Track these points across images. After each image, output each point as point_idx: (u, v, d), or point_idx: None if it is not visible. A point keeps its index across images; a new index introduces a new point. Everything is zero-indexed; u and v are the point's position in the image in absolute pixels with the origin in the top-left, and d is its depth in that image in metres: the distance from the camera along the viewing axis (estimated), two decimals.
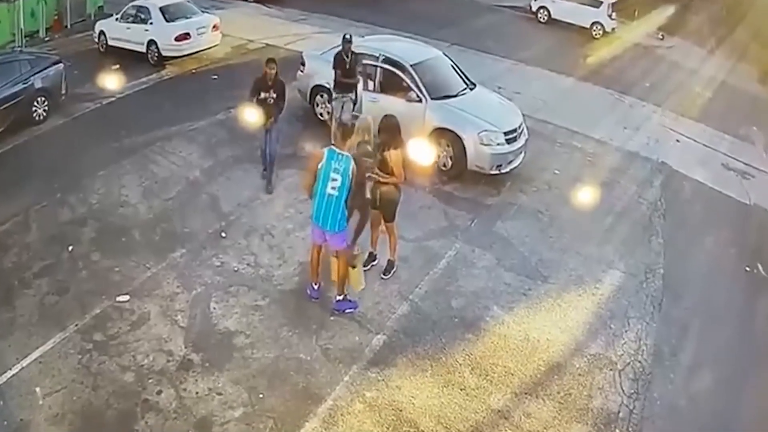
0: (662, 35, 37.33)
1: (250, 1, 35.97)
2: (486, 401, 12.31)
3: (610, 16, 37.36)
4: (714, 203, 20.36)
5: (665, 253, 17.10)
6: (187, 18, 27.46)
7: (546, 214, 17.99)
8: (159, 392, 12.02)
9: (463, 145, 18.50)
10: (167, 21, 26.93)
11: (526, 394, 12.56)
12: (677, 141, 24.04)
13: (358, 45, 20.38)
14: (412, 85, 19.28)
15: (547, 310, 14.63)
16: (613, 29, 37.23)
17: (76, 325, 13.38)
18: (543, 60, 29.08)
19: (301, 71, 21.94)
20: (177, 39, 26.58)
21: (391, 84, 19.72)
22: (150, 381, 12.24)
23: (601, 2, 37.50)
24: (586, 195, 18.49)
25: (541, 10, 39.12)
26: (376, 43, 21.43)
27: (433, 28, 32.40)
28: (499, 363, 13.14)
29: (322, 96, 21.43)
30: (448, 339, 13.57)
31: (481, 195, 18.59)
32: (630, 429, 12.15)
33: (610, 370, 13.24)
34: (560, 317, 14.46)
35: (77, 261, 15.35)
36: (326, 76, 20.53)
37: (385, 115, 14.51)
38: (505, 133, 18.72)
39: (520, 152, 19.26)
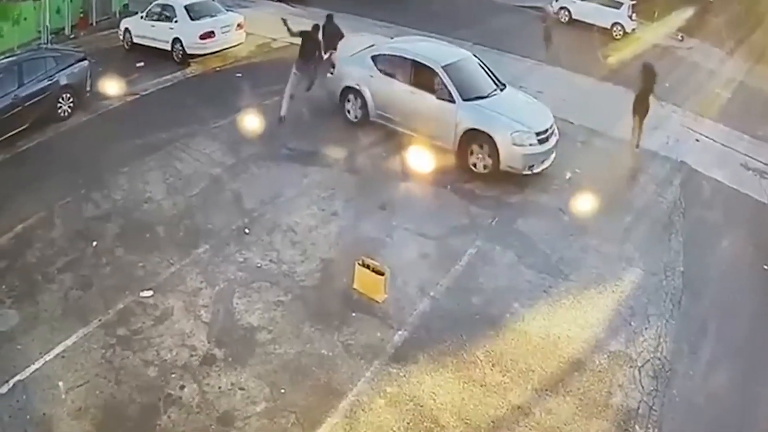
0: (682, 36, 37.18)
1: (275, 0, 36.03)
2: (506, 397, 12.39)
3: (630, 17, 37.26)
4: (733, 202, 20.26)
5: (685, 252, 17.08)
6: (211, 16, 27.50)
7: (567, 212, 17.99)
8: (182, 387, 12.17)
9: (496, 146, 18.53)
10: (192, 19, 26.99)
11: (546, 390, 12.63)
12: (696, 141, 23.93)
13: (389, 46, 20.80)
14: (444, 86, 19.30)
15: (567, 308, 14.68)
16: (633, 30, 37.11)
17: (100, 320, 13.54)
18: (564, 60, 29.01)
19: (331, 73, 21.93)
20: (202, 37, 26.65)
21: (423, 84, 19.67)
22: (173, 376, 12.39)
23: (622, 3, 37.42)
24: (606, 193, 18.47)
25: (562, 11, 39.09)
26: (405, 45, 21.65)
27: (454, 28, 32.33)
28: (519, 360, 13.21)
29: (350, 99, 21.37)
30: (468, 335, 13.65)
31: (502, 193, 18.61)
32: (649, 425, 12.19)
33: (630, 367, 13.28)
34: (580, 314, 14.50)
35: (101, 256, 15.49)
36: (356, 78, 21.01)
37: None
38: (537, 134, 18.72)
39: (551, 152, 19.29)
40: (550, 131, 19.20)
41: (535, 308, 14.59)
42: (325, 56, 23.02)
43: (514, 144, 18.44)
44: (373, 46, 21.78)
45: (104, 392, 12.01)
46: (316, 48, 22.38)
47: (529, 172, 18.79)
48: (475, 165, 19.05)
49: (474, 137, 18.82)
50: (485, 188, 18.75)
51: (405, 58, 20.30)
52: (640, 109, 21.43)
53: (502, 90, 20.20)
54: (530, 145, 18.60)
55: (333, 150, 20.01)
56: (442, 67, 19.58)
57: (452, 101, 19.09)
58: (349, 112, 21.30)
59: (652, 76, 21.43)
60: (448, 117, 19.03)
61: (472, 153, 18.96)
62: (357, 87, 20.64)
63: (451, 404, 12.16)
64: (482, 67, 20.86)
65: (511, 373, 12.89)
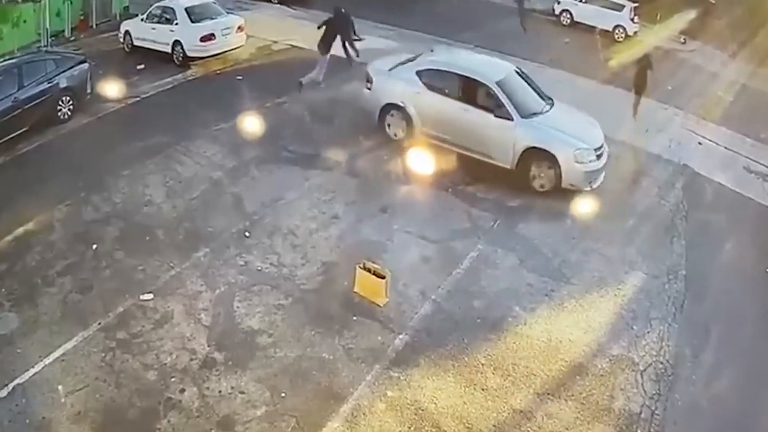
0: (684, 39, 37.21)
1: (275, 3, 36.05)
2: (508, 401, 12.37)
3: (632, 19, 37.30)
4: (735, 205, 20.28)
5: (687, 255, 17.09)
6: (212, 19, 27.47)
7: (569, 216, 17.98)
8: (182, 391, 12.14)
9: (558, 164, 18.24)
10: (192, 22, 26.95)
11: (548, 394, 12.62)
12: (699, 144, 23.94)
13: (432, 60, 20.16)
14: (501, 104, 18.70)
15: (569, 311, 14.66)
16: (635, 33, 37.14)
17: (100, 323, 13.50)
18: (566, 63, 29.00)
19: (368, 88, 20.78)
20: (202, 40, 26.60)
21: (477, 100, 19.10)
22: (173, 379, 12.37)
23: (624, 6, 37.49)
24: (608, 196, 18.45)
25: (564, 13, 39.12)
26: (451, 58, 20.83)
27: (455, 30, 32.35)
28: (521, 363, 13.19)
29: (393, 116, 20.28)
30: (470, 339, 13.63)
31: (503, 196, 18.58)
32: (652, 430, 12.19)
33: (632, 371, 13.27)
34: (583, 318, 14.49)
35: (101, 259, 15.45)
36: (399, 94, 19.93)
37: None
38: (595, 150, 18.59)
39: (604, 168, 18.97)
40: (603, 146, 18.96)
41: (536, 312, 14.57)
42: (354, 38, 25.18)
43: (577, 162, 18.22)
44: (413, 59, 20.76)
45: (104, 396, 11.97)
46: (335, 33, 24.43)
47: (589, 189, 18.58)
48: (534, 183, 18.71)
49: (534, 155, 18.43)
50: (487, 191, 18.72)
51: (455, 74, 19.49)
52: (640, 84, 24.53)
53: (552, 105, 19.74)
54: (590, 161, 18.40)
55: (334, 153, 19.96)
56: (497, 83, 19.00)
57: (510, 119, 18.55)
58: (389, 127, 20.30)
59: (648, 59, 24.48)
60: (506, 135, 18.57)
61: (531, 171, 18.60)
62: (401, 104, 19.71)
63: (452, 408, 12.13)
64: (526, 80, 20.31)
65: (513, 377, 12.87)
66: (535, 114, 18.94)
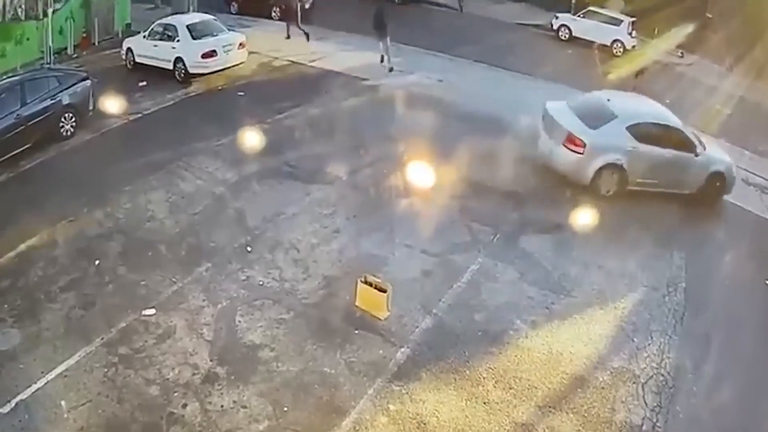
0: (682, 53, 37.24)
1: (276, 20, 36.18)
2: (510, 415, 12.40)
3: (630, 33, 37.33)
4: (734, 218, 20.36)
5: (687, 267, 17.15)
6: (213, 36, 27.63)
7: (568, 229, 18.02)
8: (184, 405, 12.18)
9: (726, 180, 20.38)
10: (194, 39, 27.09)
11: (549, 407, 12.64)
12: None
13: (639, 116, 20.15)
14: (693, 144, 20.14)
15: (570, 324, 14.71)
16: (633, 47, 37.18)
17: (102, 338, 13.55)
18: (565, 77, 29.04)
19: (578, 153, 19.39)
20: (203, 56, 26.73)
21: (676, 144, 19.90)
22: (175, 394, 12.41)
23: (622, 21, 37.51)
24: (608, 209, 18.49)
25: (563, 28, 39.21)
26: (646, 109, 20.95)
27: (455, 45, 32.55)
28: (522, 376, 13.22)
29: (607, 173, 19.58)
30: (471, 352, 13.67)
31: (503, 210, 18.69)
32: None
33: (633, 383, 13.30)
34: (583, 331, 14.53)
35: (103, 275, 15.52)
36: (615, 153, 19.44)
37: None
38: None
39: None
40: None
41: (537, 325, 14.61)
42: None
43: (733, 175, 20.62)
44: (614, 118, 19.88)
45: (106, 411, 12.00)
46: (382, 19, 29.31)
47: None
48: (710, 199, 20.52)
49: (714, 178, 20.22)
50: (487, 205, 18.81)
51: (660, 124, 20.08)
52: None
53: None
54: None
55: (335, 167, 20.06)
56: (684, 128, 20.35)
57: (698, 155, 20.04)
58: (600, 185, 19.53)
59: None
60: (699, 169, 20.09)
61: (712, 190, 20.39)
62: (618, 162, 19.41)
63: (454, 422, 12.15)
64: None
65: (514, 390, 12.90)
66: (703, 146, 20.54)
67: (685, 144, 19.89)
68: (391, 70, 29.03)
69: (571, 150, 19.30)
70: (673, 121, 20.29)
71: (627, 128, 19.53)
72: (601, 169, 19.27)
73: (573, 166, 19.43)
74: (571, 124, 19.72)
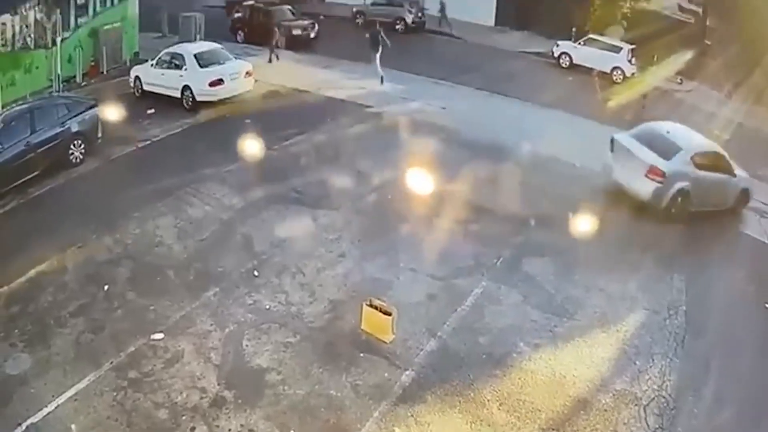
0: (681, 79, 37.38)
1: (282, 48, 36.50)
2: None
3: (630, 61, 37.48)
4: (733, 241, 20.59)
5: (687, 290, 17.27)
6: (220, 64, 27.99)
7: (571, 252, 18.18)
8: (192, 429, 12.32)
9: (749, 195, 22.51)
10: (201, 67, 27.43)
11: (553, 429, 12.76)
12: None
13: (700, 146, 21.91)
14: (731, 166, 21.96)
15: (573, 347, 14.83)
16: (633, 74, 37.35)
17: (111, 362, 13.69)
18: (565, 104, 29.25)
19: (659, 182, 20.79)
20: (211, 84, 27.06)
21: (722, 168, 21.72)
22: (183, 418, 12.53)
23: (621, 48, 37.66)
24: (609, 234, 18.65)
25: (563, 56, 39.43)
26: (683, 136, 22.23)
27: (457, 73, 32.84)
28: (526, 399, 13.33)
29: (676, 198, 21.12)
30: (476, 375, 13.80)
31: (506, 233, 18.85)
32: None
33: (635, 405, 13.40)
34: (586, 354, 14.65)
35: (112, 300, 15.69)
36: (683, 181, 20.99)
37: None
38: None
39: None
40: None
41: (540, 348, 14.73)
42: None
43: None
44: (680, 150, 21.53)
45: None
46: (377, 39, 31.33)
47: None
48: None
49: (743, 193, 22.33)
50: (490, 228, 19.01)
51: (713, 152, 21.89)
52: None
53: None
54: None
55: (340, 192, 20.30)
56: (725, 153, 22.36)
57: (735, 175, 22.05)
58: (672, 211, 21.04)
59: None
60: (735, 186, 22.14)
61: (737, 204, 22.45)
62: (686, 188, 20.93)
63: None
64: None
65: (519, 413, 13.01)
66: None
67: (727, 168, 21.82)
68: (382, 80, 31.01)
69: (653, 180, 20.82)
70: (719, 149, 22.19)
71: (691, 158, 21.29)
72: (674, 194, 20.84)
73: (654, 193, 20.81)
74: (649, 156, 21.23)
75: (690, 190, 20.86)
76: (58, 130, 21.80)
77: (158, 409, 12.69)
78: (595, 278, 17.26)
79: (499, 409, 13.08)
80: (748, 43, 35.28)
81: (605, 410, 13.25)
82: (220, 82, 27.17)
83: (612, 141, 22.34)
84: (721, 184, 21.72)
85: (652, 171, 20.77)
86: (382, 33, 32.09)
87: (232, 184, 20.84)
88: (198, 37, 34.79)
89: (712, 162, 21.46)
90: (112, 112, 24.34)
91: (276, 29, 34.76)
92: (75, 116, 22.48)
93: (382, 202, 20.15)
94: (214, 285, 16.16)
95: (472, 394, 13.36)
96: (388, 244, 18.04)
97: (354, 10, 43.90)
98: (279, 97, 29.12)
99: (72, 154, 22.10)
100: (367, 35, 32.59)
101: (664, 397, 13.64)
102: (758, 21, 34.38)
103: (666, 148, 21.21)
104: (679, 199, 20.89)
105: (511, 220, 19.32)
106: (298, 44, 36.30)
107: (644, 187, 20.88)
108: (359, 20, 43.27)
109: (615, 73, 37.13)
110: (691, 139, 22.24)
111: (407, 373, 13.76)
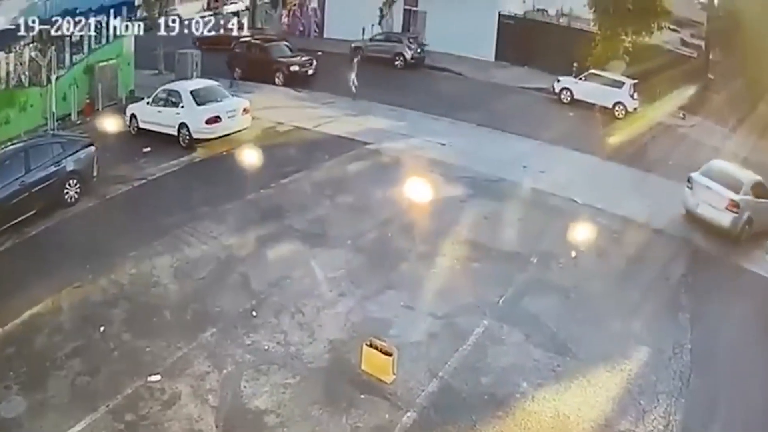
0: (684, 114, 37.41)
1: (279, 85, 36.57)
2: None
3: (632, 96, 37.49)
4: (738, 278, 20.42)
5: (692, 328, 17.12)
6: (217, 101, 27.90)
7: (573, 290, 18.05)
8: None
9: None
10: (198, 104, 27.34)
11: None
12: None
13: (753, 175, 24.42)
14: None
15: (576, 387, 14.63)
16: (635, 109, 37.35)
17: (108, 405, 13.48)
18: (567, 140, 29.28)
19: (735, 212, 23.22)
20: (208, 122, 26.94)
21: (762, 194, 23.82)
22: None
23: (623, 83, 37.68)
24: (612, 271, 18.58)
25: (564, 91, 39.46)
26: (741, 172, 24.83)
27: (458, 109, 32.89)
28: None
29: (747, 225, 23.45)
30: (478, 416, 13.59)
31: (508, 271, 18.71)
32: None
33: None
34: (590, 393, 14.47)
35: (109, 341, 15.50)
36: (750, 206, 23.49)
37: None
38: None
39: None
40: None
41: (543, 388, 14.54)
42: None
43: None
44: (743, 184, 23.89)
45: None
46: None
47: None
48: None
49: None
50: (491, 266, 18.87)
51: (759, 183, 24.06)
52: None
53: None
54: None
55: (339, 230, 20.18)
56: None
57: None
58: (742, 236, 23.27)
59: None
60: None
61: None
62: (751, 216, 23.30)
63: None
64: None
65: None
66: None
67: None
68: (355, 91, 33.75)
69: (731, 211, 23.28)
70: (762, 179, 24.47)
71: (750, 189, 23.77)
72: (744, 222, 23.26)
73: (732, 223, 23.15)
74: (725, 191, 23.58)
75: (753, 216, 23.30)
76: (53, 169, 21.63)
77: None
78: (597, 316, 17.13)
79: None
80: (751, 77, 35.33)
81: None
82: (217, 119, 27.06)
83: (689, 179, 24.36)
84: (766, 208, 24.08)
85: (732, 204, 23.24)
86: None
87: (230, 223, 20.74)
88: (194, 74, 34.79)
89: (760, 191, 23.90)
90: (108, 151, 24.35)
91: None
92: (70, 155, 22.32)
93: (382, 240, 20.02)
94: (211, 325, 15.99)
95: None
96: (388, 282, 17.91)
97: (352, 46, 43.99)
98: (277, 135, 29.11)
99: (67, 193, 21.91)
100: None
101: None
102: (761, 55, 34.38)
103: (734, 183, 23.74)
104: (747, 226, 23.27)
105: (512, 258, 19.22)
106: (296, 81, 36.32)
107: (725, 218, 23.20)
108: (357, 58, 43.24)
109: (617, 108, 37.10)
110: (745, 173, 24.88)
111: (409, 414, 13.56)
